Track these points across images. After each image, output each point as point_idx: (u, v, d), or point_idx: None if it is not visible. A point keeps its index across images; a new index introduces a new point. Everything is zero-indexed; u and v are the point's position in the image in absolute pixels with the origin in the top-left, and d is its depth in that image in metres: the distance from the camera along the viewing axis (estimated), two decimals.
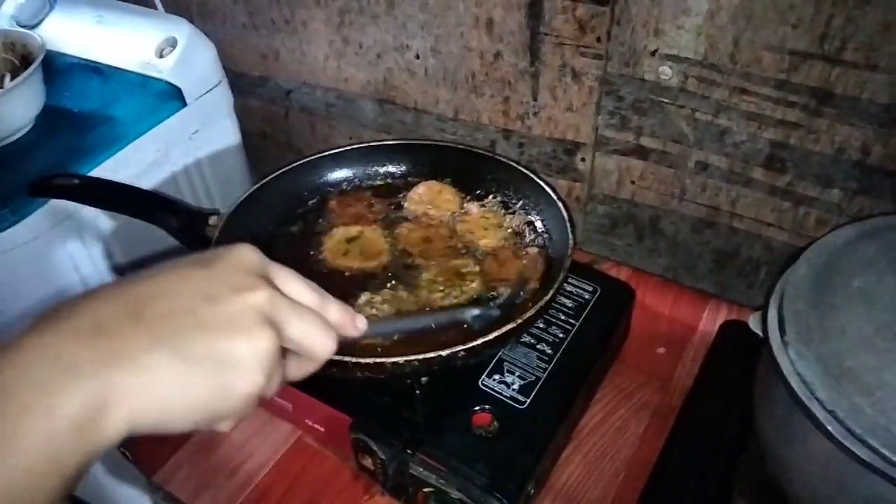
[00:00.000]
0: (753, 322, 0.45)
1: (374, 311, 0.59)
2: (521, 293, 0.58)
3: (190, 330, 0.32)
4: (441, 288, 0.62)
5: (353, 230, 0.68)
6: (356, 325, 0.39)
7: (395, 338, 0.55)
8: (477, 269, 0.64)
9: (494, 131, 0.90)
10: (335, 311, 0.38)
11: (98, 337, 0.30)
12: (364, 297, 0.61)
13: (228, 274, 0.34)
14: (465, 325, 0.54)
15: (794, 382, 0.39)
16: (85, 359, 0.29)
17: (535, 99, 0.84)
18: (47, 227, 0.75)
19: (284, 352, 0.35)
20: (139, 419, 0.30)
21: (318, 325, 0.36)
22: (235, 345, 0.32)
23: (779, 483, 0.46)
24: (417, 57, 0.89)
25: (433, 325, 0.51)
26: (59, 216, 0.76)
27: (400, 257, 0.66)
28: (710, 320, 0.76)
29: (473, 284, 0.62)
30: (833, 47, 0.63)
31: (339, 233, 0.69)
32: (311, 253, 0.67)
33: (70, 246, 0.79)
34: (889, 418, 0.37)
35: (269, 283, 0.35)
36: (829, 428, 0.37)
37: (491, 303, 0.58)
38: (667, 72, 0.73)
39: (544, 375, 0.60)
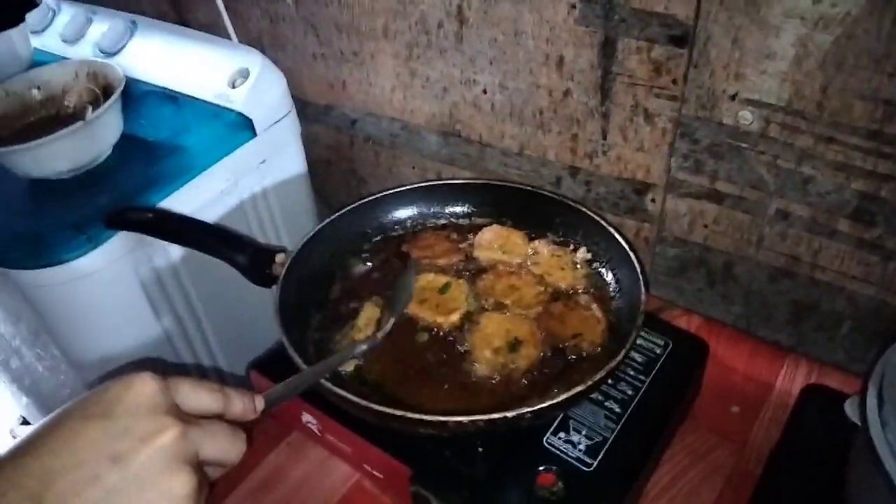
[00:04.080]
0: (850, 408, 0.41)
1: None
2: None
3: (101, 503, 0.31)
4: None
5: (442, 280, 0.67)
6: (256, 409, 0.40)
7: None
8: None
9: (560, 168, 0.88)
10: (237, 403, 0.39)
11: None
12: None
13: (132, 420, 0.33)
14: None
15: None
16: None
17: (604, 138, 0.82)
18: (121, 254, 0.77)
19: None
20: None
21: (227, 436, 0.37)
22: (153, 501, 0.32)
23: None
24: (485, 92, 0.88)
25: (327, 375, 0.52)
26: (131, 243, 0.78)
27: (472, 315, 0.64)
28: (788, 378, 0.72)
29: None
30: None
31: (427, 279, 0.67)
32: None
33: (141, 272, 0.80)
34: None
35: (173, 409, 0.35)
36: None
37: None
38: (747, 116, 0.70)
39: (612, 436, 0.58)
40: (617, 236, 0.65)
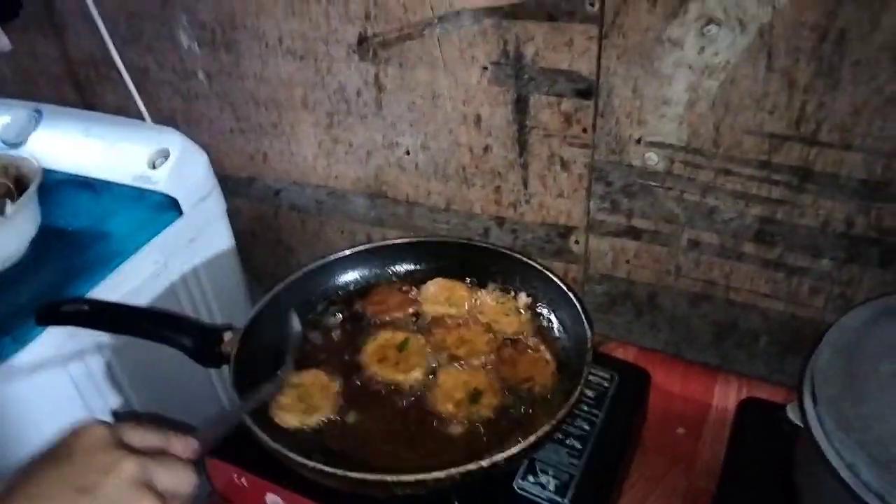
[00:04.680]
0: (792, 412, 0.46)
1: None
2: None
3: None
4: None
5: (400, 336, 0.68)
6: (192, 449, 0.44)
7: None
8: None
9: (487, 219, 0.92)
10: (177, 443, 0.44)
11: None
12: None
13: (92, 458, 0.38)
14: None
15: (845, 474, 0.40)
16: None
17: (525, 187, 0.86)
18: (49, 352, 0.73)
19: None
20: None
21: (178, 466, 0.41)
22: None
23: None
24: (408, 153, 0.91)
25: (246, 413, 0.55)
26: (59, 339, 0.74)
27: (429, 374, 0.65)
28: (723, 395, 0.77)
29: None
30: (809, 129, 0.67)
31: (386, 337, 0.68)
32: (348, 357, 0.68)
33: (72, 368, 0.76)
34: None
35: (125, 445, 0.40)
36: None
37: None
38: (653, 157, 0.76)
39: (578, 472, 0.60)
40: (553, 278, 0.69)
